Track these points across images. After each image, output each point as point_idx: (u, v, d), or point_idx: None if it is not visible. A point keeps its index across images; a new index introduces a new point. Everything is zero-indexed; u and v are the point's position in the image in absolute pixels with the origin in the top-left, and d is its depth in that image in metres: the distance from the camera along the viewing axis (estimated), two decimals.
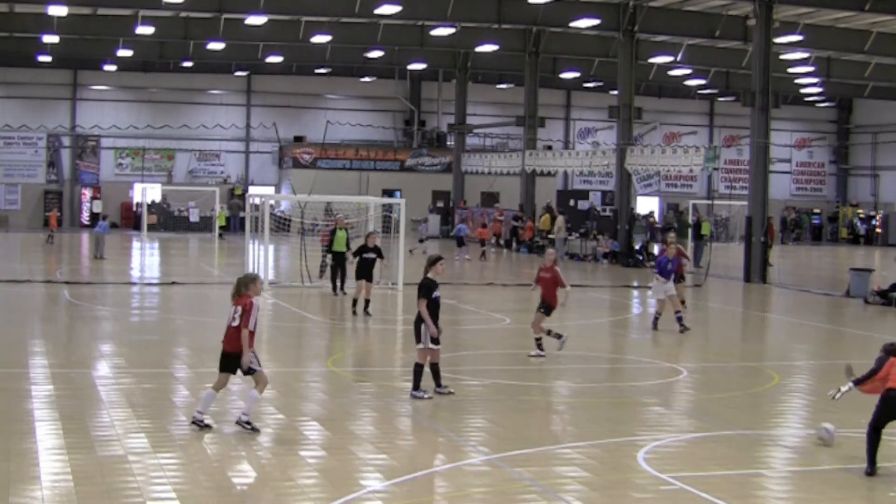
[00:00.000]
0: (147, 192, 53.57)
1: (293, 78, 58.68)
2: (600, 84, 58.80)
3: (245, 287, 11.76)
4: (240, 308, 11.61)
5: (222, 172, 59.29)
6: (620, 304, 27.31)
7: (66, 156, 57.51)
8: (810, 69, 49.62)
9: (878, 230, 61.94)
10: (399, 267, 27.23)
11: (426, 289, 13.65)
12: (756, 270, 33.40)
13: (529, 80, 47.93)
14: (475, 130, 57.62)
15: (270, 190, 56.58)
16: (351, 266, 23.91)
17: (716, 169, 46.93)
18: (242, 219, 45.42)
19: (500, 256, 44.35)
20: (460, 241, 40.87)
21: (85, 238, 45.55)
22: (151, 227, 51.79)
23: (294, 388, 14.76)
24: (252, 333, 11.58)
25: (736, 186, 59.70)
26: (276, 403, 13.44)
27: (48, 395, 13.50)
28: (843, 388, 11.13)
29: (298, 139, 58.42)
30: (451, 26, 43.33)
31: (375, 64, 53.21)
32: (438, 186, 57.69)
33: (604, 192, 57.09)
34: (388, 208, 30.92)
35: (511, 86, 58.51)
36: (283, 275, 30.60)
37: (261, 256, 28.28)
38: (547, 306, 17.27)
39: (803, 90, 58.39)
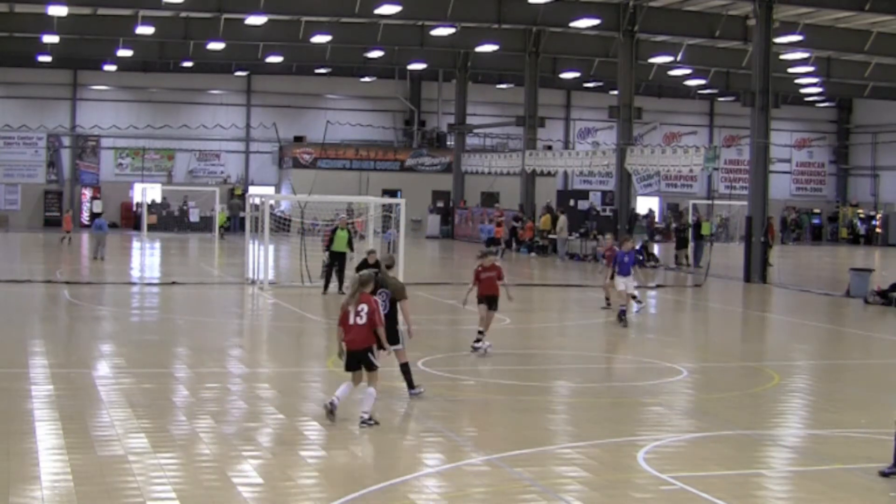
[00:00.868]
0: (147, 192, 53.59)
1: (293, 78, 58.69)
2: (600, 84, 58.80)
3: (364, 285, 12.28)
4: (365, 306, 12.12)
5: (222, 172, 59.30)
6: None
7: (66, 156, 57.51)
8: (810, 69, 49.62)
9: (878, 230, 61.92)
10: (399, 267, 27.19)
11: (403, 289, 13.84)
12: (756, 270, 33.40)
13: (529, 80, 47.93)
14: (475, 130, 57.62)
15: (270, 190, 56.58)
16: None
17: (716, 169, 46.95)
18: (242, 219, 45.42)
19: (501, 257, 44.31)
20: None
21: (85, 238, 45.51)
22: (151, 227, 51.79)
23: (294, 388, 14.76)
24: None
25: (736, 186, 59.70)
26: (276, 403, 13.45)
27: (48, 395, 13.49)
28: None
29: (298, 139, 58.42)
30: (451, 26, 43.32)
31: (375, 64, 53.20)
32: (438, 186, 57.68)
33: (604, 192, 56.98)
34: (388, 208, 30.95)
35: (511, 86, 58.51)
36: (283, 275, 30.61)
37: (261, 256, 28.28)
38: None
39: (803, 90, 58.39)
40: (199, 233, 53.01)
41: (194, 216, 55.78)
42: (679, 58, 47.13)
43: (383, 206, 32.18)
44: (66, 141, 57.43)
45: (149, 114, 58.18)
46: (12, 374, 14.85)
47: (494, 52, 47.64)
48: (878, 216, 62.89)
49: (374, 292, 12.86)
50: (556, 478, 10.35)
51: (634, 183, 45.04)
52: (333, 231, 26.73)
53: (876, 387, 15.84)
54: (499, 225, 45.49)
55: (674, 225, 41.26)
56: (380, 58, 51.45)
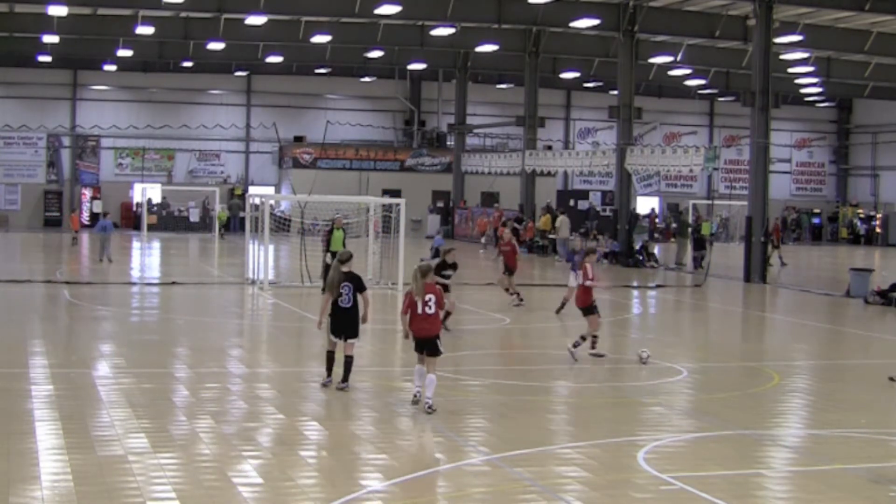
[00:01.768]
0: (147, 192, 53.59)
1: (293, 78, 58.67)
2: (600, 84, 58.79)
3: (426, 276, 13.11)
4: (432, 296, 13.05)
5: (222, 172, 59.29)
6: (620, 304, 27.29)
7: (66, 156, 57.49)
8: (810, 69, 49.61)
9: (878, 230, 61.94)
10: (399, 267, 27.23)
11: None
12: (756, 270, 33.40)
13: (529, 80, 47.93)
14: (475, 130, 57.60)
15: (270, 190, 56.59)
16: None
17: (716, 169, 46.94)
18: (242, 219, 45.42)
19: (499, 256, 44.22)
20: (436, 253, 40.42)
21: (86, 238, 45.50)
22: (151, 227, 51.78)
23: (294, 388, 14.76)
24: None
25: (736, 186, 59.71)
26: (275, 403, 13.45)
27: (48, 395, 13.49)
28: None
29: (298, 139, 58.41)
30: (451, 26, 43.31)
31: (375, 64, 53.19)
32: (438, 186, 57.68)
33: (604, 192, 57.06)
34: (388, 208, 30.93)
35: (511, 86, 58.51)
36: (283, 275, 30.61)
37: (261, 256, 28.29)
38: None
39: (803, 90, 58.37)
40: (199, 233, 52.99)
41: (194, 216, 55.77)
42: (679, 58, 47.11)
43: (383, 206, 32.14)
44: (66, 141, 57.42)
45: (149, 114, 58.18)
46: (12, 374, 14.85)
47: (494, 52, 47.62)
48: (878, 216, 62.91)
49: (345, 283, 13.95)
50: (556, 478, 10.35)
51: (634, 183, 45.01)
52: (330, 231, 26.75)
53: (876, 387, 15.83)
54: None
55: (689, 227, 41.20)
56: (380, 58, 51.43)
